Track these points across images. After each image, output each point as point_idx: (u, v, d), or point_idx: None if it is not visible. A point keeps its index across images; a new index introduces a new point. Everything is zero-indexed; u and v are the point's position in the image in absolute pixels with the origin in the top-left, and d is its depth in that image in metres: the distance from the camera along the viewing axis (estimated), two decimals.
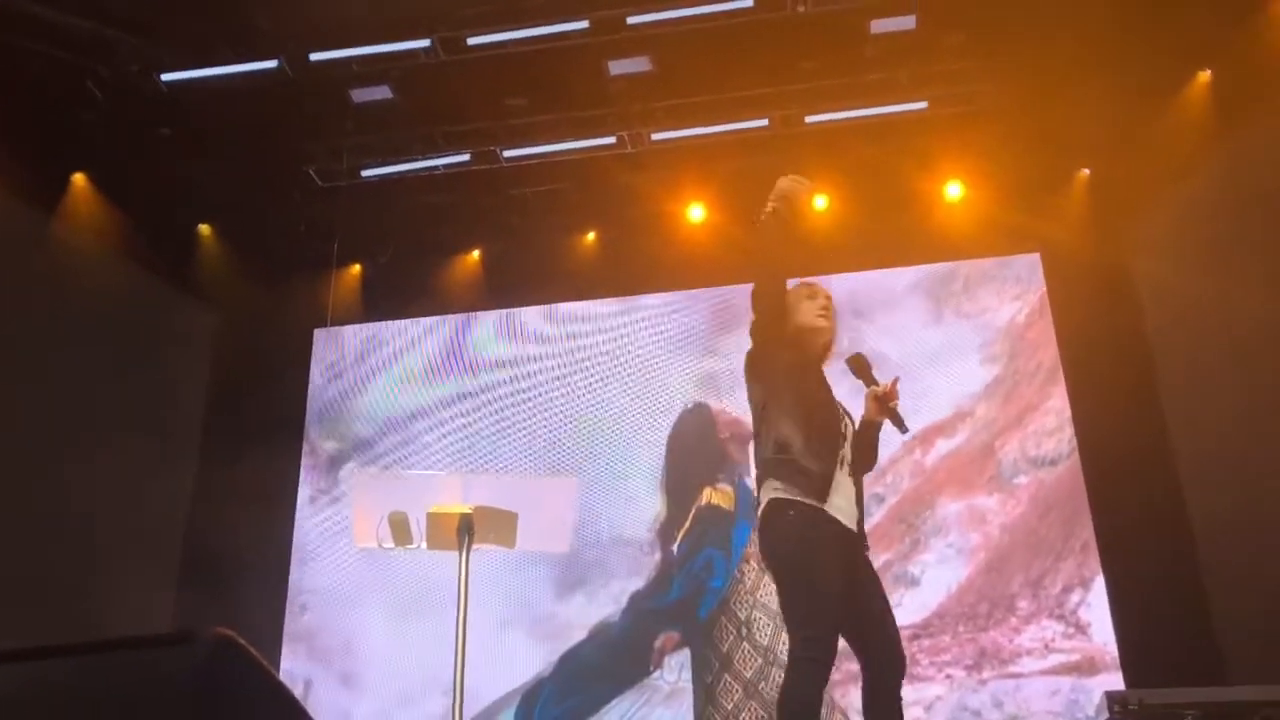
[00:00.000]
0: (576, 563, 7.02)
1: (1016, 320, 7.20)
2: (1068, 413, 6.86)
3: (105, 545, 6.31)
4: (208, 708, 1.16)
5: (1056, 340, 7.04)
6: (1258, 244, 5.80)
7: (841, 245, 7.37)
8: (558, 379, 7.60)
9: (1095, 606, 6.41)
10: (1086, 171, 7.32)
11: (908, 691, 6.65)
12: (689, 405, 7.24)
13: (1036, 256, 7.30)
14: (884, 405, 3.45)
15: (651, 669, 6.78)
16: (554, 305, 7.83)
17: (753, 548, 6.67)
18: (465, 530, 3.43)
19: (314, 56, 6.46)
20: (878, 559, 6.70)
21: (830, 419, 3.35)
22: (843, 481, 3.25)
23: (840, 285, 7.38)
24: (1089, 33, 6.28)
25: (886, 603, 3.28)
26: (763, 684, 6.01)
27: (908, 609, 6.61)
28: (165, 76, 6.49)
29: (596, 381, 7.52)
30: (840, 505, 3.20)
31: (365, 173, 7.52)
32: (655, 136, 7.21)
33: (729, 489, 6.77)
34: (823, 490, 3.16)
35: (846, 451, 3.34)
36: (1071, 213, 7.27)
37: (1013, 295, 7.25)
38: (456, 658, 3.30)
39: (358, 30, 6.39)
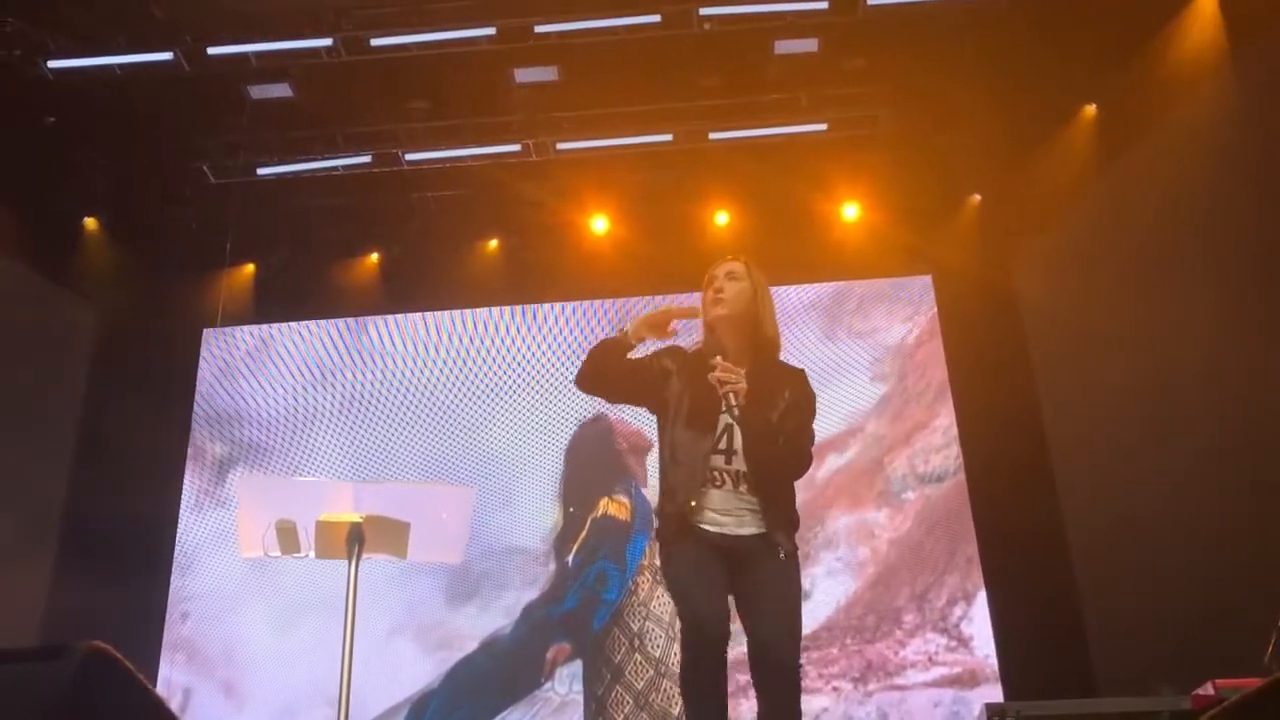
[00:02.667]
0: (470, 572, 6.95)
1: (907, 340, 7.38)
2: (954, 431, 7.06)
3: None
4: None
5: (945, 360, 7.23)
6: (1137, 269, 6.06)
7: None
8: (455, 386, 7.52)
9: (977, 620, 6.60)
10: (977, 197, 7.56)
11: None
12: (588, 416, 7.24)
13: (928, 278, 7.50)
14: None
15: (543, 680, 6.75)
16: (454, 311, 7.75)
17: (647, 560, 6.70)
18: (355, 540, 3.37)
19: (211, 50, 6.30)
20: None
21: (700, 425, 3.08)
22: (723, 495, 3.03)
23: None
24: (982, 65, 6.50)
25: (779, 603, 3.00)
26: (654, 695, 6.03)
27: None
28: (52, 63, 6.25)
29: (495, 389, 7.47)
30: (721, 520, 3.01)
31: (261, 171, 7.36)
32: (560, 146, 7.22)
33: (625, 500, 6.79)
34: (689, 512, 3.00)
35: (724, 460, 3.06)
36: (962, 236, 7.49)
37: (904, 316, 7.43)
38: (343, 667, 3.24)
39: (258, 25, 6.26)
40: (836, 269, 7.55)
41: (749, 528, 3.03)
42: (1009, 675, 6.41)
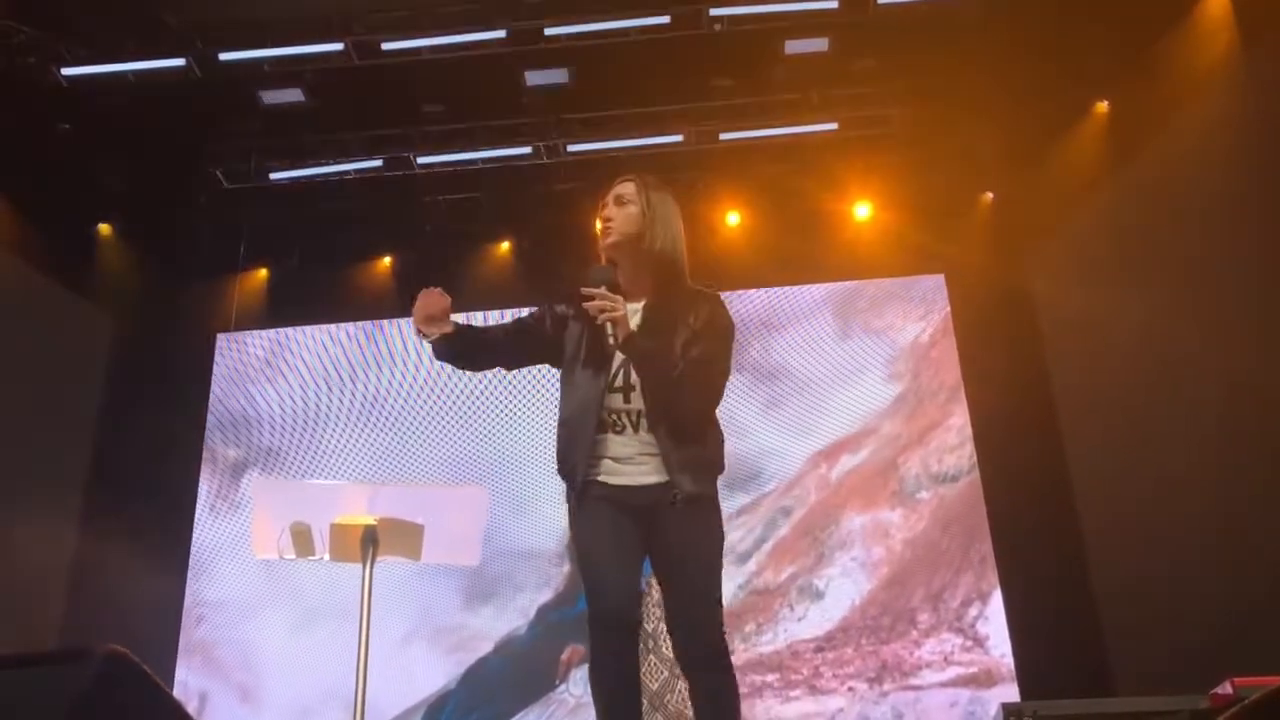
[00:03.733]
0: (484, 575, 6.96)
1: (920, 339, 7.36)
2: (969, 430, 7.04)
3: None
4: None
5: (959, 359, 7.22)
6: (1150, 267, 6.03)
7: (752, 261, 7.46)
8: (468, 389, 7.53)
9: (993, 620, 6.58)
10: (990, 195, 7.54)
11: (810, 704, 6.74)
12: None
13: (941, 277, 7.48)
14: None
15: (557, 682, 6.75)
16: (467, 314, 7.73)
17: None
18: (369, 542, 3.37)
19: (224, 56, 6.33)
20: (783, 571, 6.82)
21: (594, 364, 2.81)
22: (621, 440, 2.74)
23: (751, 300, 7.48)
24: (994, 62, 6.49)
25: (697, 560, 2.74)
26: (669, 696, 6.02)
27: (812, 621, 6.70)
28: (66, 70, 6.29)
29: (507, 392, 7.48)
30: (621, 469, 2.74)
31: (274, 175, 7.39)
32: (571, 148, 7.23)
33: None
34: (587, 465, 2.74)
35: (621, 399, 2.77)
36: (975, 235, 7.47)
37: (918, 315, 7.41)
38: (358, 671, 3.25)
39: (269, 31, 6.28)
40: (849, 268, 7.55)
41: (651, 475, 2.72)
42: (1025, 675, 6.39)
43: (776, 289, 7.52)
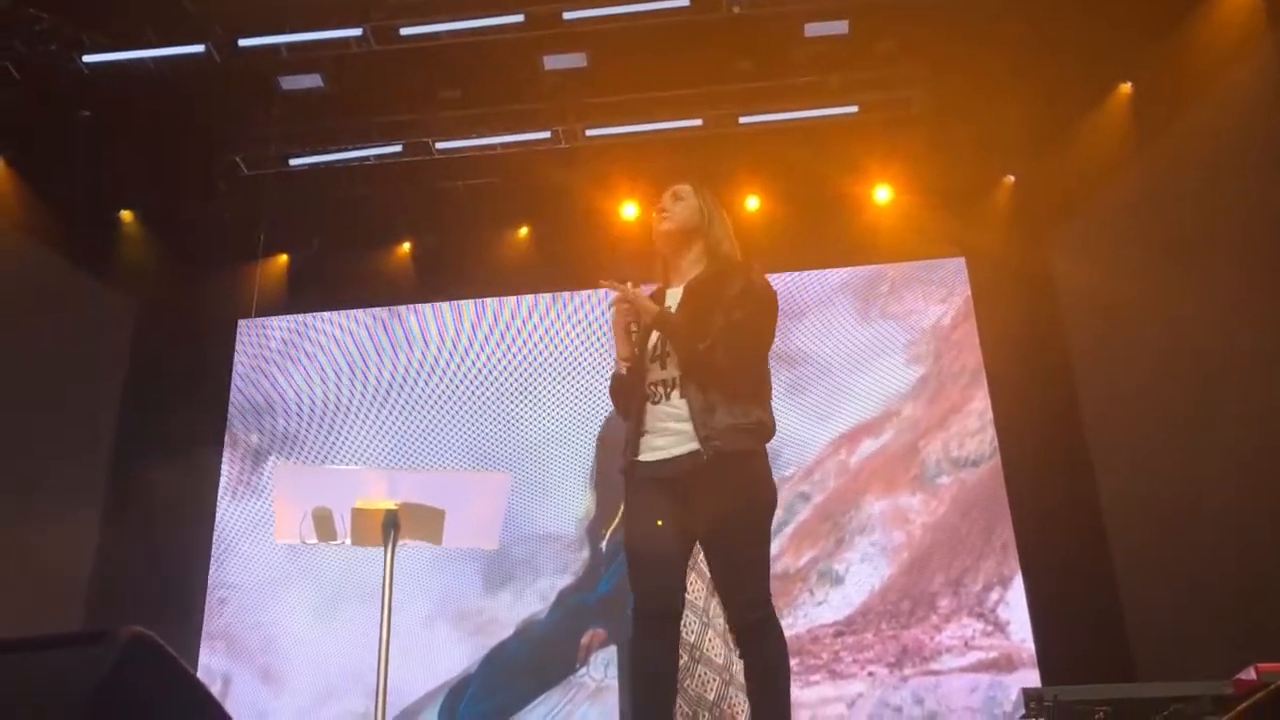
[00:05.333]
0: (504, 559, 6.99)
1: (942, 323, 7.33)
2: (990, 414, 7.01)
3: (16, 539, 6.12)
4: (120, 708, 1.14)
5: (980, 343, 7.18)
6: (1174, 250, 5.98)
7: (772, 245, 7.43)
8: (487, 374, 7.55)
9: (1014, 605, 6.56)
10: (1011, 178, 7.48)
11: (829, 688, 6.74)
12: None
13: (962, 260, 7.44)
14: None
15: (578, 666, 6.78)
16: (485, 299, 7.77)
17: None
18: (391, 526, 3.39)
19: (242, 42, 6.34)
20: (803, 556, 6.81)
21: (642, 342, 2.99)
22: (658, 411, 2.87)
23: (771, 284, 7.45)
24: (1015, 44, 6.42)
25: (736, 525, 2.75)
26: (689, 680, 6.03)
27: (832, 606, 6.70)
28: (87, 58, 6.31)
29: (527, 377, 7.49)
30: (656, 444, 2.85)
31: (293, 161, 7.40)
32: (589, 133, 7.21)
33: None
34: (634, 443, 2.88)
35: (659, 367, 2.92)
36: (996, 218, 7.43)
37: (939, 298, 7.38)
38: (380, 654, 3.27)
39: (288, 17, 6.28)
40: (869, 252, 7.51)
41: (683, 445, 2.80)
42: (1046, 660, 6.37)
43: (796, 273, 7.50)
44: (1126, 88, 6.53)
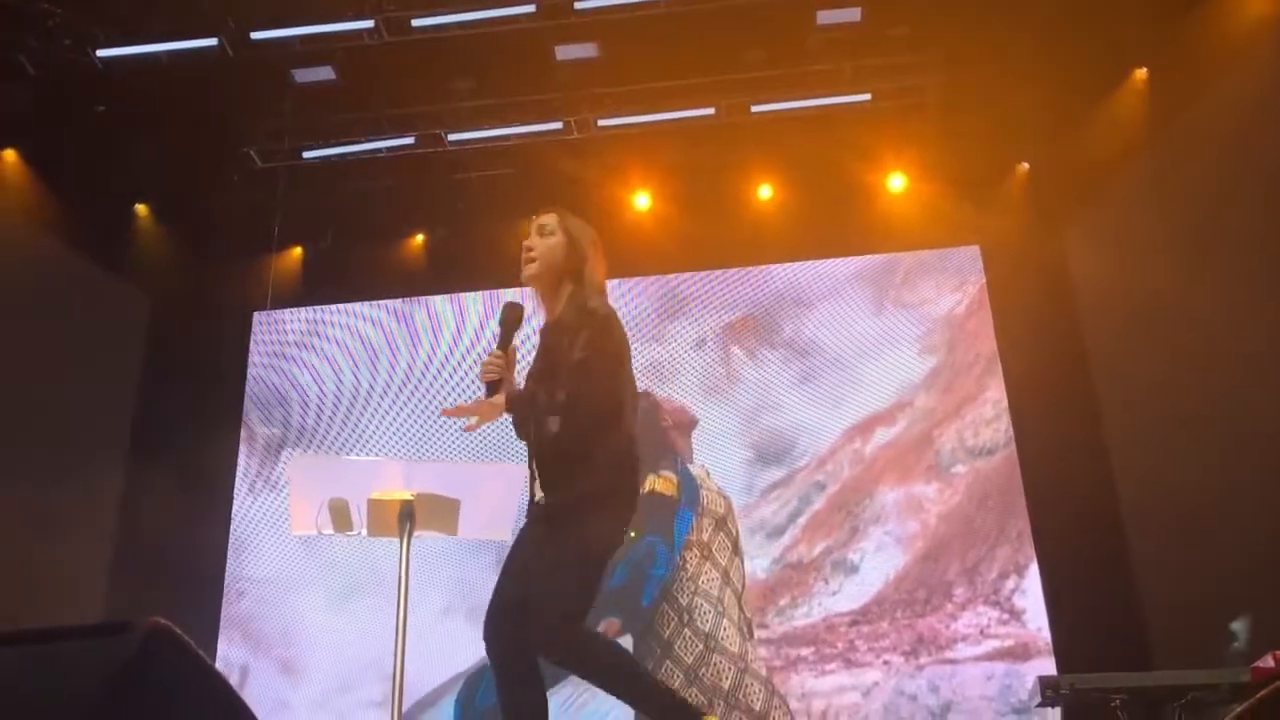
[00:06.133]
0: None
1: (956, 311, 7.30)
2: (1005, 403, 6.98)
3: (34, 533, 6.17)
4: (141, 698, 1.15)
5: (994, 332, 7.15)
6: (1190, 237, 5.94)
7: (784, 235, 7.42)
8: None
9: (1029, 593, 6.54)
10: (1026, 165, 7.44)
11: (846, 677, 6.73)
12: None
13: (976, 249, 7.41)
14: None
15: None
16: (498, 290, 7.78)
17: (695, 535, 6.71)
18: (406, 517, 3.40)
19: (255, 35, 6.36)
20: (817, 546, 6.81)
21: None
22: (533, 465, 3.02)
23: (783, 274, 7.45)
24: (1030, 29, 6.38)
25: (541, 563, 2.88)
26: (704, 670, 6.04)
27: (847, 595, 6.70)
28: (101, 52, 6.34)
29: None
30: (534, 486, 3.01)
31: (307, 154, 7.43)
32: (601, 123, 7.21)
33: (672, 476, 6.79)
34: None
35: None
36: (1011, 206, 7.39)
37: (952, 287, 7.35)
38: (397, 644, 3.28)
39: (299, 9, 6.30)
40: (883, 241, 7.48)
41: (537, 492, 2.98)
42: (1062, 648, 6.35)
43: (809, 263, 7.48)
44: (1142, 73, 6.48)
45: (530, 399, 2.99)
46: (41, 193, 6.79)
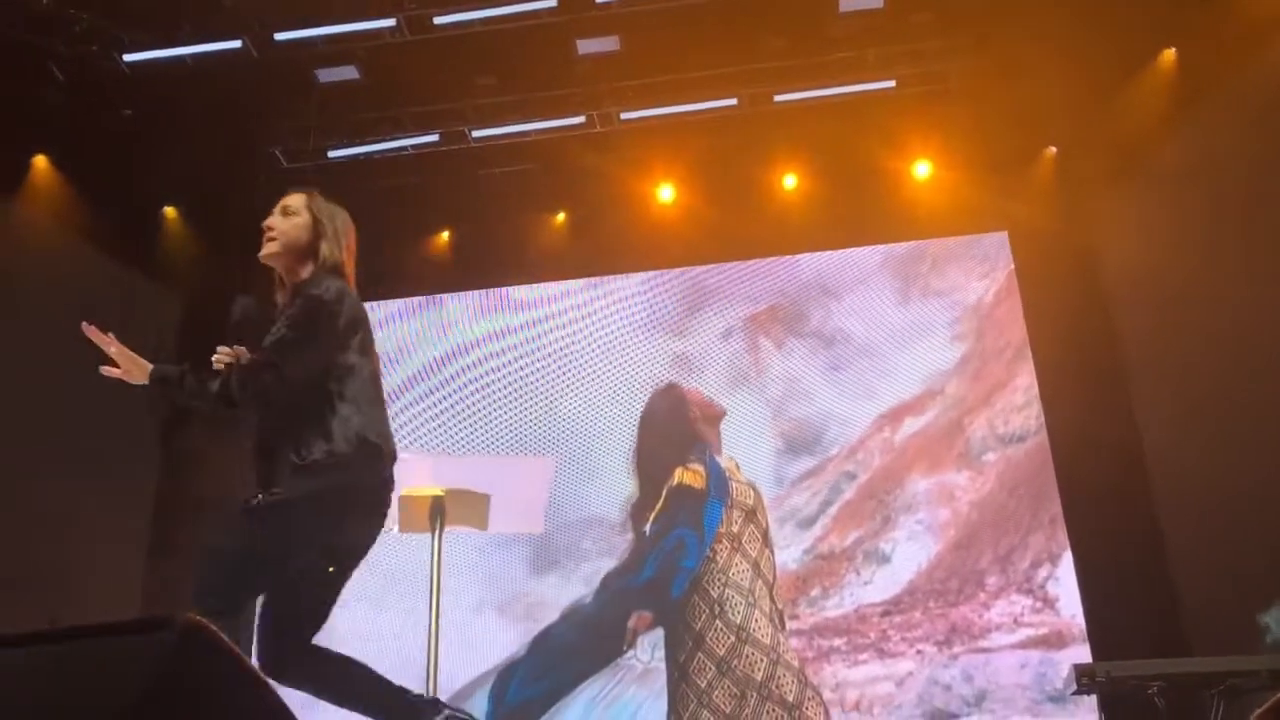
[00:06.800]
0: (549, 544, 7.02)
1: (985, 298, 7.25)
2: (1035, 390, 6.93)
3: (72, 535, 6.24)
4: (177, 695, 1.16)
5: (1024, 318, 7.09)
6: (1222, 218, 5.87)
7: (810, 224, 7.39)
8: (528, 360, 7.58)
9: (1063, 581, 6.49)
10: (1053, 150, 7.37)
11: (879, 667, 6.71)
12: (660, 385, 7.24)
13: (1004, 235, 7.34)
14: None
15: (625, 648, 6.80)
16: (524, 286, 7.79)
17: (724, 527, 6.70)
18: (437, 513, 3.42)
19: (279, 36, 6.39)
20: (848, 536, 6.79)
21: None
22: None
23: (808, 263, 7.42)
24: (1055, 11, 6.31)
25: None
26: (736, 661, 6.03)
27: (879, 585, 6.67)
28: (127, 56, 6.40)
29: (567, 362, 7.51)
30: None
31: (332, 154, 7.46)
32: (624, 116, 7.20)
33: (700, 468, 6.76)
34: None
35: None
36: (1038, 191, 7.32)
37: (980, 274, 7.29)
38: (429, 640, 3.30)
39: (322, 9, 6.32)
40: (909, 228, 7.43)
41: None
42: (1097, 636, 6.30)
43: (836, 252, 7.45)
44: (1170, 53, 6.39)
45: (179, 380, 2.88)
46: (72, 197, 6.85)
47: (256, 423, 2.85)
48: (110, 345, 2.86)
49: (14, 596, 5.63)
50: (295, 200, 3.09)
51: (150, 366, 2.92)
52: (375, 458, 2.84)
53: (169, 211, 7.73)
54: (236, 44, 6.39)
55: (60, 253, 6.75)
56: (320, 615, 2.76)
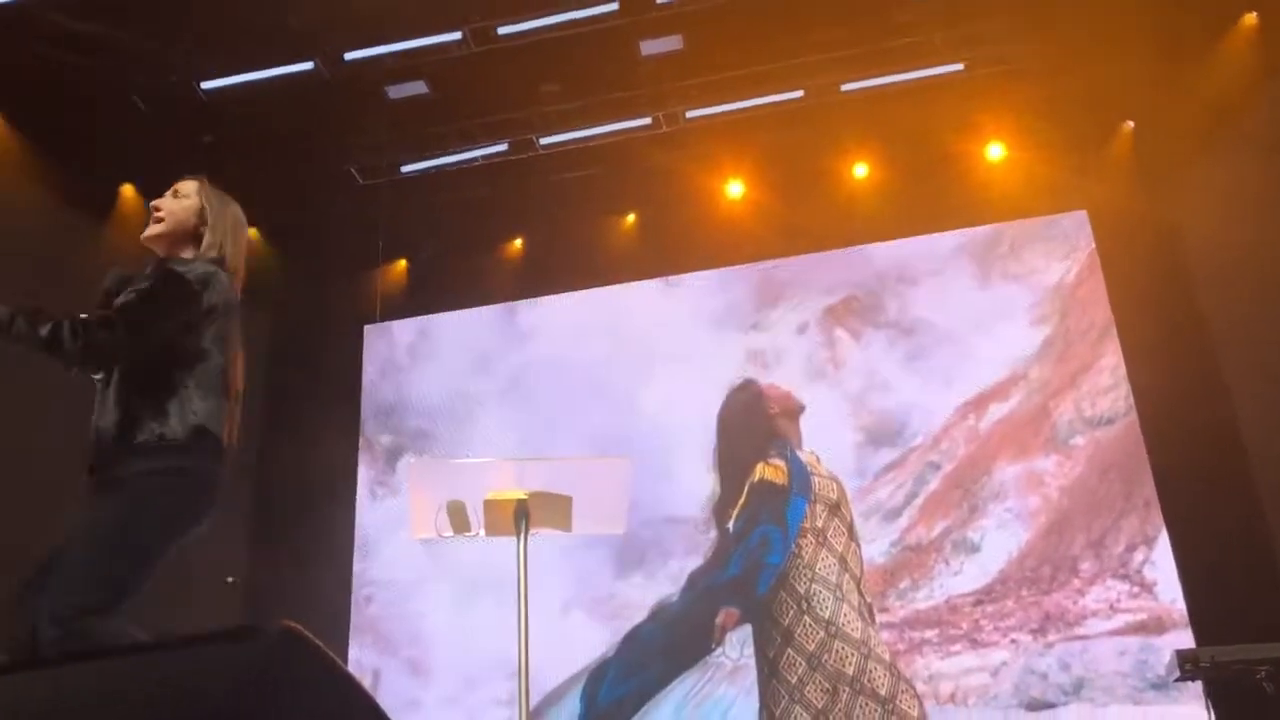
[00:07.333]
0: (634, 543, 7.05)
1: (1066, 279, 7.10)
2: (1122, 370, 6.76)
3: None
4: (274, 702, 1.18)
5: (1108, 297, 6.93)
6: None
7: (883, 212, 7.31)
8: (606, 362, 7.62)
9: (1160, 564, 6.33)
10: (1130, 124, 7.19)
11: (972, 658, 6.62)
12: (737, 382, 7.18)
13: (1083, 214, 7.18)
14: None
15: (713, 646, 6.79)
16: (598, 289, 7.84)
17: (808, 522, 6.65)
18: (522, 516, 3.46)
19: (348, 55, 6.53)
20: (936, 526, 6.70)
21: None
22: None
23: (883, 253, 7.34)
24: None
25: (80, 523, 2.69)
26: (826, 656, 5.96)
27: (969, 575, 6.57)
28: (204, 84, 6.59)
29: (644, 363, 7.53)
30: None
31: (405, 168, 7.59)
32: (690, 114, 7.21)
33: (781, 464, 6.66)
34: None
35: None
36: (1117, 167, 7.15)
37: (1061, 254, 7.15)
38: (520, 641, 3.34)
39: (389, 26, 6.44)
40: (984, 212, 7.31)
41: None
42: (1199, 620, 6.12)
43: (910, 239, 7.36)
44: (1252, 18, 6.19)
45: (8, 321, 2.67)
46: None
47: (95, 399, 2.78)
48: None
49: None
50: (187, 185, 3.10)
51: None
52: (210, 449, 2.85)
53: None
54: (308, 65, 6.54)
55: None
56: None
